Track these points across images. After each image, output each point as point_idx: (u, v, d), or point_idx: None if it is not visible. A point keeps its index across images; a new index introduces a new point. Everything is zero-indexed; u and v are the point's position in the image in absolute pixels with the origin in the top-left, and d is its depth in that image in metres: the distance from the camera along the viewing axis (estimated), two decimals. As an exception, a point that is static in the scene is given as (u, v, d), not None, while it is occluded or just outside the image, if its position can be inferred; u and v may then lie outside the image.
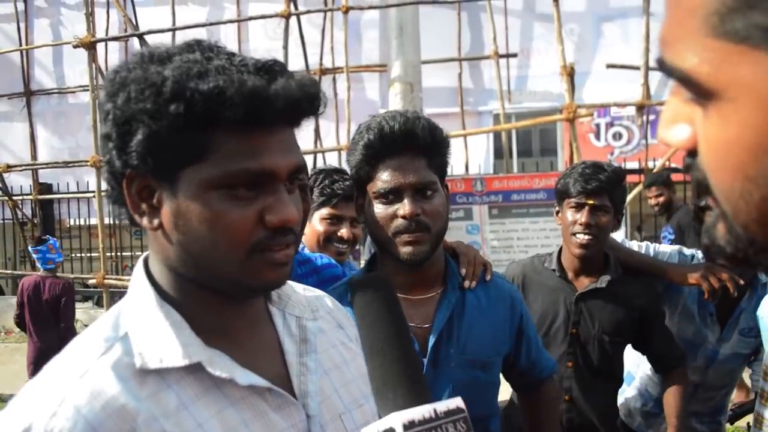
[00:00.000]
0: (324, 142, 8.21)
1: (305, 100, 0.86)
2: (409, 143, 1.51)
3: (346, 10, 7.22)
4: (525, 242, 5.77)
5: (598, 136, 8.94)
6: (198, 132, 0.81)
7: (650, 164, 7.27)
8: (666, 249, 2.58)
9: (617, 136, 8.93)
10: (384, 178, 1.52)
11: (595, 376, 2.31)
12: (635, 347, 2.42)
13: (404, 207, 1.50)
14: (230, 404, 0.86)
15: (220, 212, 0.83)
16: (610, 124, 8.89)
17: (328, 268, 1.94)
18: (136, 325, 0.87)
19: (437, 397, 1.48)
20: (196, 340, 0.86)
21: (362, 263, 2.36)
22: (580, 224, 2.23)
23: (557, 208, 2.38)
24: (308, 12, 7.61)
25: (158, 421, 0.81)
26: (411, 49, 6.86)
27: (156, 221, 0.86)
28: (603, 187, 2.22)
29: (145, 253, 0.96)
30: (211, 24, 7.90)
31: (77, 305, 9.50)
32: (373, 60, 8.40)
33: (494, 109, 8.27)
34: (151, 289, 0.89)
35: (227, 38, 8.27)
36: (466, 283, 1.64)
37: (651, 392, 2.72)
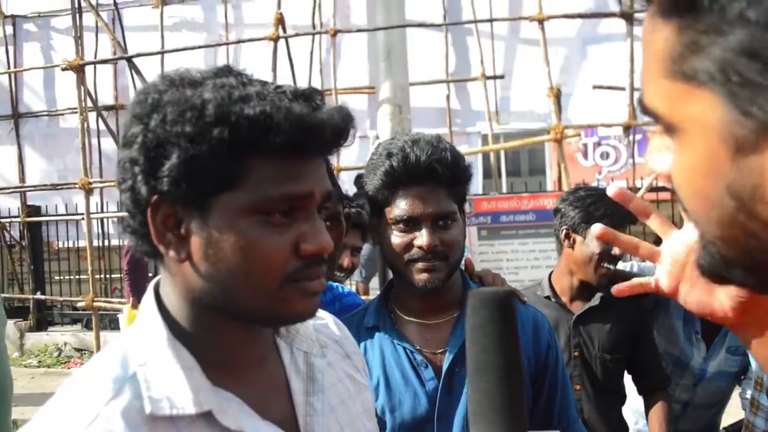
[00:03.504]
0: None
1: (347, 129, 0.85)
2: (433, 174, 1.48)
3: (335, 33, 7.28)
4: (514, 264, 5.79)
5: (586, 156, 9.00)
6: (236, 157, 0.78)
7: (638, 183, 7.33)
8: (651, 264, 2.61)
9: (605, 156, 8.99)
10: (403, 206, 1.50)
11: (602, 394, 2.34)
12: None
13: (422, 237, 1.48)
14: None
15: (256, 239, 0.80)
16: (597, 144, 8.96)
17: (350, 296, 1.95)
18: (145, 365, 0.83)
19: (450, 423, 1.47)
20: (206, 384, 0.83)
21: (353, 285, 2.36)
22: (614, 255, 2.25)
23: (566, 230, 2.35)
24: (297, 35, 7.66)
25: None
26: (399, 71, 6.90)
27: (183, 252, 0.82)
28: (630, 217, 2.25)
29: (154, 281, 0.91)
30: (200, 47, 7.93)
31: (65, 328, 9.43)
32: (362, 82, 8.45)
33: (482, 129, 8.33)
34: (162, 324, 0.85)
35: (215, 62, 8.30)
36: None
37: (642, 410, 2.74)
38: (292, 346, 0.99)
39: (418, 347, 1.56)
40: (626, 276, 2.48)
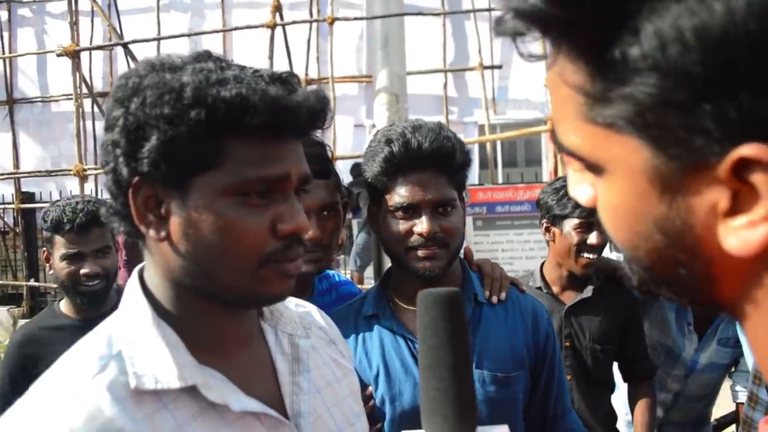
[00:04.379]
0: (309, 151, 8.19)
1: (323, 111, 0.87)
2: (434, 160, 1.47)
3: (332, 21, 7.24)
4: (510, 254, 5.80)
5: (581, 147, 8.99)
6: (214, 139, 0.80)
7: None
8: None
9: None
10: (402, 193, 1.49)
11: (592, 385, 2.35)
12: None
13: (422, 224, 1.47)
14: (226, 426, 0.85)
15: (234, 220, 0.82)
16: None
17: (346, 285, 1.94)
18: (130, 343, 0.85)
19: None
20: (191, 361, 0.85)
21: (347, 272, 2.35)
22: (591, 245, 2.24)
23: (546, 224, 2.38)
24: (294, 23, 7.62)
25: None
26: (396, 60, 6.87)
27: (163, 232, 0.84)
28: None
29: (139, 266, 0.93)
30: (196, 34, 7.88)
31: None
32: (359, 71, 8.41)
33: (479, 119, 8.31)
34: (147, 304, 0.87)
35: (212, 48, 8.25)
36: (494, 299, 1.58)
37: None
38: (276, 329, 1.01)
39: (417, 335, 1.57)
40: (611, 265, 2.49)
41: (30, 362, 2.12)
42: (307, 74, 8.26)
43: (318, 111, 0.86)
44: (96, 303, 2.25)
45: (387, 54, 6.78)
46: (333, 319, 1.63)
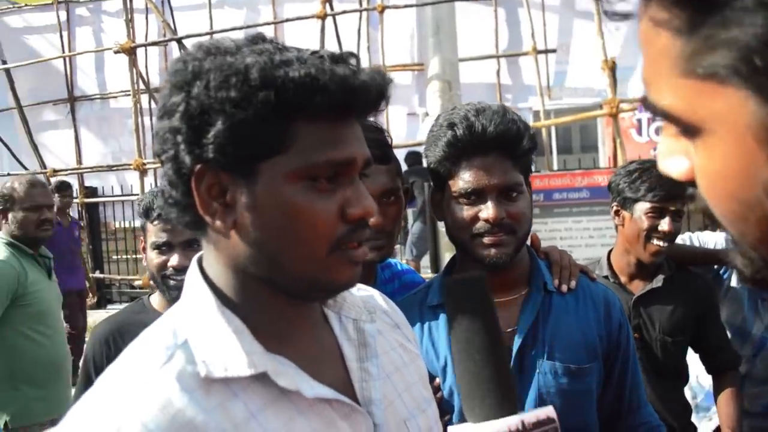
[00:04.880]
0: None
1: (385, 91, 0.84)
2: (499, 144, 1.42)
3: (382, 10, 7.21)
4: (568, 242, 5.66)
5: (640, 132, 8.77)
6: (282, 122, 0.78)
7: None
8: (709, 236, 2.52)
9: (660, 131, 8.73)
10: (467, 178, 1.44)
11: (664, 378, 2.26)
12: (691, 345, 2.36)
13: (488, 210, 1.42)
14: (299, 413, 0.82)
15: (305, 205, 0.80)
16: (652, 119, 8.70)
17: (409, 273, 1.89)
18: (196, 332, 0.82)
19: (522, 406, 1.42)
20: (260, 348, 0.82)
21: (403, 262, 2.35)
22: (662, 231, 2.15)
23: (617, 207, 2.30)
24: (344, 12, 7.61)
25: None
26: (448, 46, 6.81)
27: (230, 220, 0.81)
28: (684, 192, 2.15)
29: (197, 255, 0.91)
30: (249, 27, 7.95)
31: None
32: (410, 59, 8.36)
33: (533, 105, 8.17)
34: (210, 293, 0.85)
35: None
36: (563, 287, 1.52)
37: (702, 384, 2.65)
38: (340, 315, 0.97)
39: None
40: (686, 251, 2.38)
41: (114, 356, 2.04)
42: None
43: (384, 90, 0.83)
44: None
45: (438, 41, 6.72)
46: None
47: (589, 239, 5.65)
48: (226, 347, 0.81)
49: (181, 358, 0.80)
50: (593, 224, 5.59)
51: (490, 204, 1.42)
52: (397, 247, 8.16)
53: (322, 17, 7.37)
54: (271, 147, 0.79)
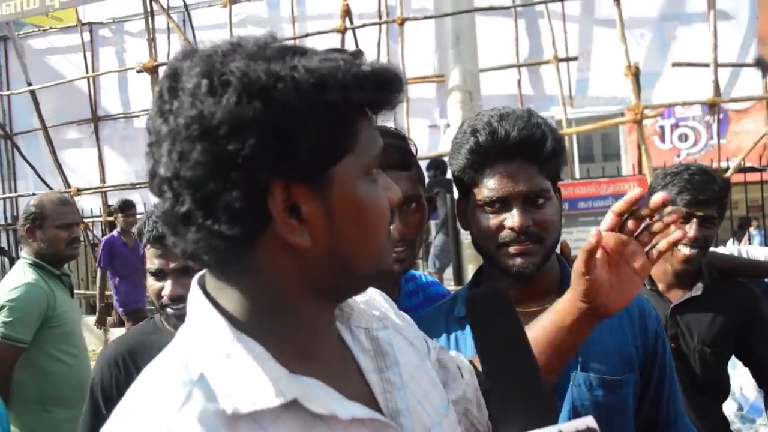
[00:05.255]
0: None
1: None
2: (523, 149, 1.37)
3: (402, 22, 7.20)
4: (594, 251, 5.56)
5: (663, 139, 8.64)
6: (352, 122, 0.76)
7: (723, 164, 6.97)
8: (759, 250, 2.42)
9: (683, 138, 8.61)
10: (491, 186, 1.39)
11: (701, 390, 2.16)
12: (737, 356, 2.25)
13: (513, 218, 1.36)
14: None
15: (375, 198, 0.80)
16: (675, 126, 8.59)
17: (434, 285, 1.83)
18: (212, 364, 0.73)
19: (557, 421, 1.36)
20: (285, 372, 0.74)
21: (427, 273, 2.29)
22: (688, 238, 2.05)
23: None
24: (364, 26, 7.61)
25: None
26: (468, 57, 6.75)
27: (307, 236, 0.74)
28: (716, 198, 2.04)
29: (196, 277, 0.82)
30: (269, 43, 7.98)
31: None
32: (431, 71, 8.34)
33: (555, 114, 8.09)
34: (221, 318, 0.76)
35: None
36: None
37: (746, 395, 2.55)
38: (350, 326, 0.91)
39: None
40: (733, 262, 2.29)
41: (125, 380, 1.81)
42: (378, 77, 8.24)
43: (402, 86, 0.82)
44: None
45: (459, 52, 6.67)
46: (422, 322, 1.54)
47: None
48: (248, 377, 0.72)
49: (200, 396, 0.71)
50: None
51: (515, 212, 1.37)
52: (419, 260, 8.09)
53: (342, 31, 7.37)
54: (342, 148, 0.75)
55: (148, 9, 8.50)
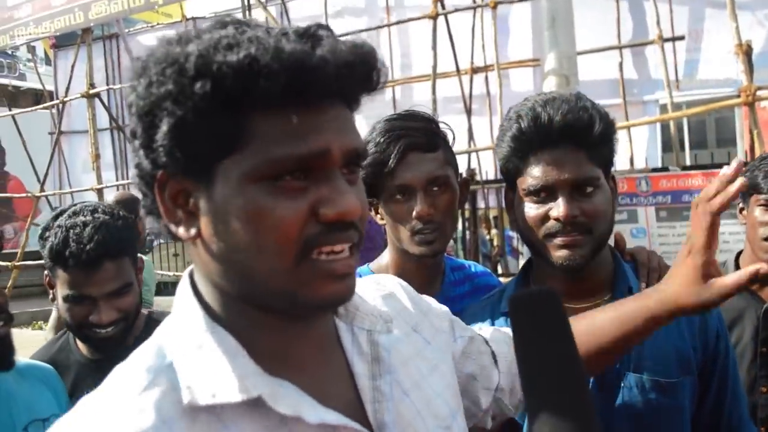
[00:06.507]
0: (477, 142, 8.03)
1: (358, 65, 0.70)
2: (569, 135, 1.30)
3: (495, 5, 7.00)
4: (699, 248, 5.15)
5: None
6: (231, 115, 0.67)
7: None
8: None
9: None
10: (535, 174, 1.33)
11: None
12: None
13: (558, 208, 1.30)
14: None
15: (264, 208, 0.69)
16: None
17: (483, 276, 1.77)
18: (183, 353, 0.73)
19: (608, 425, 1.27)
20: (255, 369, 0.71)
21: (458, 257, 2.18)
22: None
23: (741, 206, 2.03)
24: (456, 11, 7.47)
25: None
26: (565, 39, 6.48)
27: (193, 230, 0.73)
28: None
29: (190, 266, 0.82)
30: (359, 31, 7.99)
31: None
32: (525, 55, 8.08)
33: (661, 98, 7.64)
34: (199, 309, 0.76)
35: (380, 45, 8.33)
36: None
37: None
38: (352, 326, 0.86)
39: None
40: None
41: None
42: (472, 62, 8.09)
43: (352, 65, 0.70)
44: (111, 348, 1.69)
45: (554, 34, 6.41)
46: (467, 315, 1.47)
47: (723, 244, 5.07)
48: (215, 369, 0.70)
49: (163, 383, 0.70)
50: (729, 228, 5.03)
51: (560, 201, 1.30)
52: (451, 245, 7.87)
53: (434, 17, 7.27)
54: (222, 145, 0.69)
55: (247, 2, 8.70)
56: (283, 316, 0.76)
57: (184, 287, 0.80)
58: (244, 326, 0.75)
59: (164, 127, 0.68)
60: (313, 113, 0.70)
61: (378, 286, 0.98)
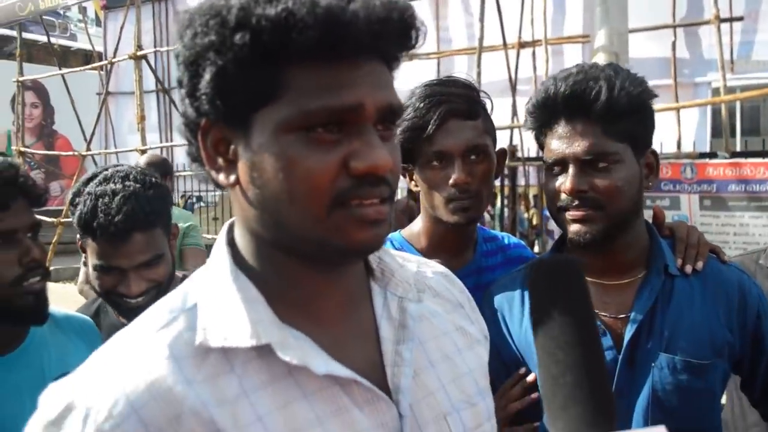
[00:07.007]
0: (521, 117, 7.91)
1: (393, 21, 0.71)
2: (578, 107, 1.28)
3: (546, -22, 6.84)
4: (743, 239, 4.96)
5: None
6: (268, 66, 0.70)
7: None
8: None
9: None
10: (551, 147, 1.33)
11: None
12: None
13: (565, 181, 1.31)
14: (302, 396, 0.73)
15: (296, 158, 0.71)
16: None
17: (517, 248, 1.75)
18: (207, 298, 0.77)
19: (632, 403, 1.26)
20: (271, 318, 0.74)
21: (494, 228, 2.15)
22: None
23: None
24: (506, -17, 7.33)
25: (208, 408, 0.69)
26: (617, 16, 6.35)
27: (233, 177, 0.76)
28: None
29: (232, 219, 0.86)
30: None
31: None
32: (575, 31, 7.89)
33: (714, 80, 7.40)
34: (228, 257, 0.80)
35: (424, 17, 8.22)
36: (687, 268, 1.34)
37: None
38: (386, 291, 0.87)
39: (595, 311, 1.34)
40: None
41: None
42: (520, 37, 7.94)
43: (386, 20, 0.71)
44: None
45: (606, 9, 6.29)
46: (498, 286, 1.45)
47: (749, 237, 4.90)
48: (231, 314, 0.74)
49: (181, 324, 0.75)
50: (756, 221, 4.88)
51: (570, 174, 1.30)
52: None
53: (483, -11, 7.15)
54: (260, 95, 0.72)
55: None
56: (313, 264, 0.79)
57: (220, 237, 0.84)
58: (272, 275, 0.79)
59: (207, 76, 0.72)
60: (348, 68, 0.71)
61: (422, 263, 0.99)
